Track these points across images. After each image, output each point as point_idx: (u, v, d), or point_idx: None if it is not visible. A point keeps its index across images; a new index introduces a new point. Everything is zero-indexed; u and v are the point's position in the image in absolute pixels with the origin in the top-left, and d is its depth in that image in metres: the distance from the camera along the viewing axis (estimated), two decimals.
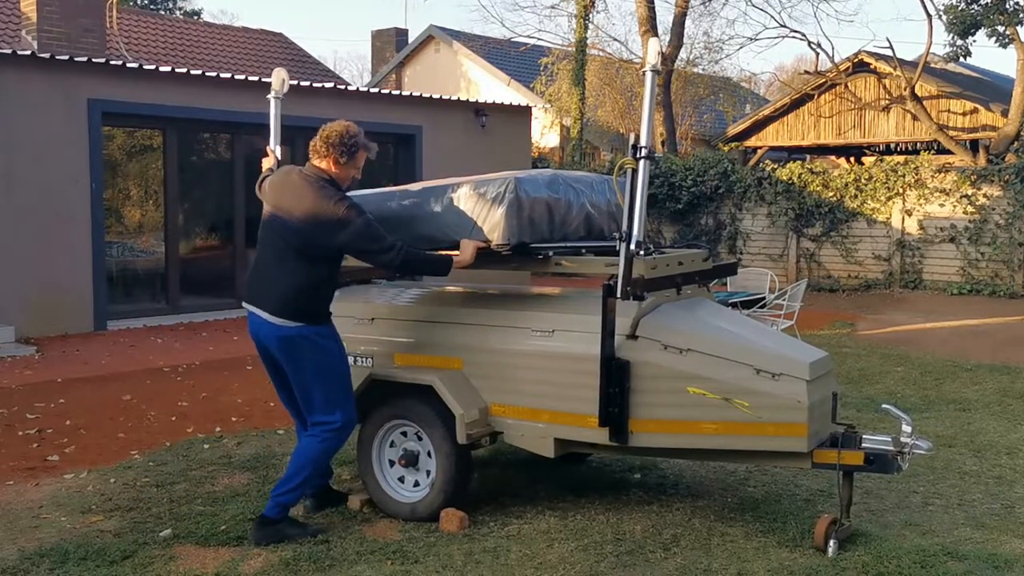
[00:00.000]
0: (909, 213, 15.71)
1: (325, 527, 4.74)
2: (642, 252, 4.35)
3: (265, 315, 4.53)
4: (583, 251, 4.86)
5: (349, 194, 5.26)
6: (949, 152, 18.40)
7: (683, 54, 22.50)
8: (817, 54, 19.90)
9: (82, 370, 9.03)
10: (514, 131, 16.27)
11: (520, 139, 16.48)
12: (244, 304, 4.67)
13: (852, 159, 23.57)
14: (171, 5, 33.32)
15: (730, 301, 9.07)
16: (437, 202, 4.81)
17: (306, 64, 21.65)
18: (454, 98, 15.68)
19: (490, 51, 24.65)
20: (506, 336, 4.73)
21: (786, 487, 5.42)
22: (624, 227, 4.27)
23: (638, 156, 4.25)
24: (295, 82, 13.31)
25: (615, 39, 41.51)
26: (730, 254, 17.28)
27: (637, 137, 4.29)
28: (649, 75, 4.30)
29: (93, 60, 11.36)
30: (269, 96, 5.42)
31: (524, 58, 24.66)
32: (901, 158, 17.12)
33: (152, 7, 31.80)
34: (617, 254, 4.31)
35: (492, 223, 4.60)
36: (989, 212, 15.01)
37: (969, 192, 15.13)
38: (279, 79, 5.43)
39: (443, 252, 4.76)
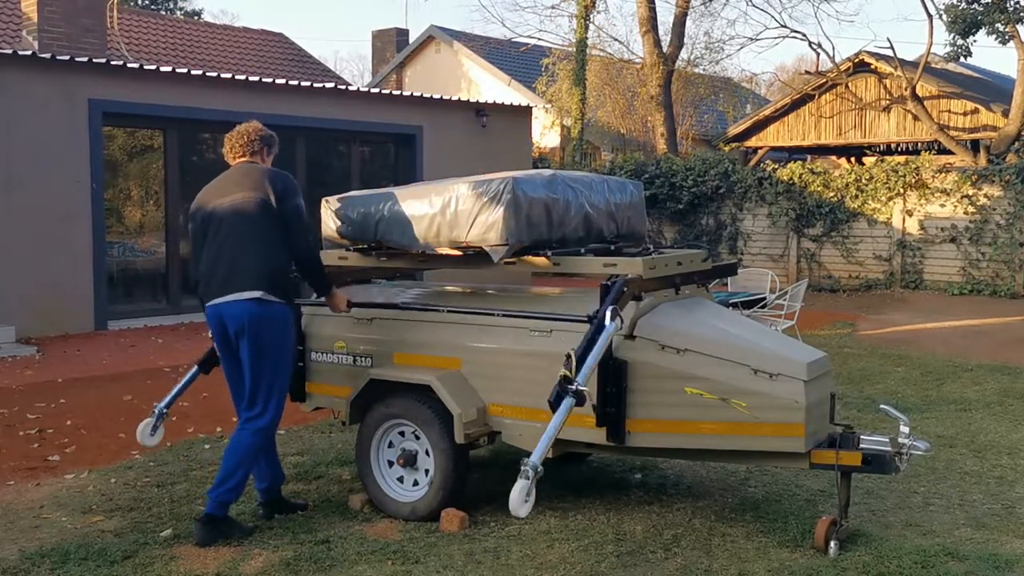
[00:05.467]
0: (910, 213, 15.71)
1: (257, 526, 4.77)
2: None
3: (241, 295, 4.57)
4: (582, 251, 4.87)
5: (350, 193, 5.30)
6: (950, 152, 18.40)
7: (684, 54, 22.50)
8: (818, 54, 19.92)
9: (83, 370, 9.03)
10: (515, 131, 16.27)
11: (521, 139, 16.49)
12: (210, 301, 4.67)
13: (853, 159, 23.56)
14: (171, 5, 33.33)
15: (730, 301, 9.07)
16: (435, 202, 4.81)
17: (307, 64, 21.67)
18: (455, 98, 15.68)
19: (491, 51, 24.66)
20: (504, 336, 4.73)
21: (787, 487, 5.42)
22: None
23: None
24: (296, 82, 13.33)
25: (616, 39, 41.41)
26: (731, 254, 17.29)
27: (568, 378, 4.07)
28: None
29: (94, 60, 11.37)
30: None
31: (525, 58, 24.66)
32: (902, 158, 17.12)
33: (152, 7, 31.82)
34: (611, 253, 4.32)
35: (490, 223, 4.60)
36: (990, 212, 15.00)
37: (970, 192, 15.13)
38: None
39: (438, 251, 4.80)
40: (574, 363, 4.07)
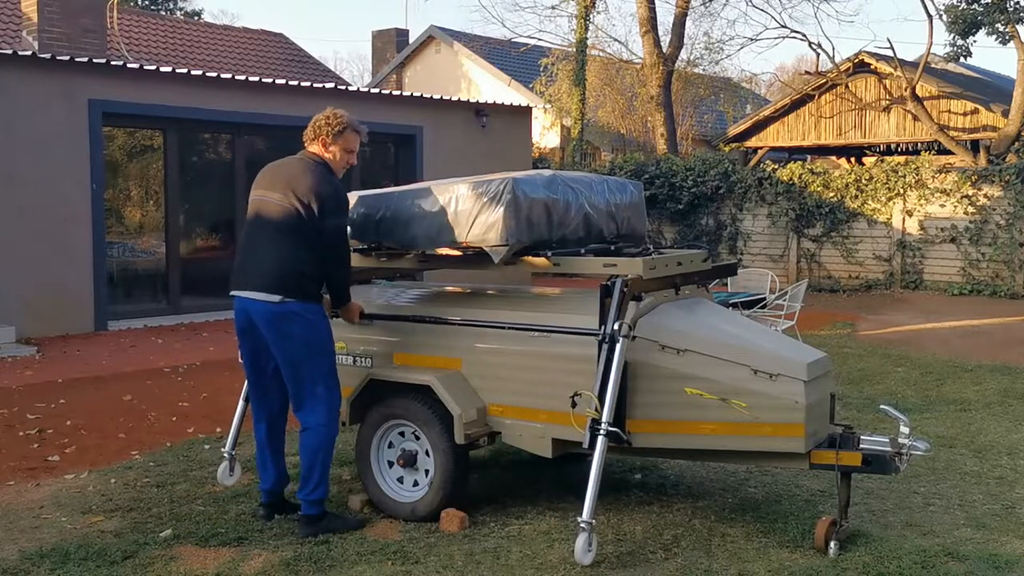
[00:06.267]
0: (910, 213, 15.72)
1: (367, 518, 4.82)
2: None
3: (260, 295, 4.57)
4: (582, 251, 4.87)
5: (352, 193, 5.30)
6: (950, 152, 18.41)
7: (683, 54, 22.51)
8: (818, 54, 19.93)
9: (82, 370, 9.03)
10: (515, 131, 16.27)
11: (520, 139, 16.49)
12: (233, 292, 4.70)
13: (853, 159, 23.58)
14: (171, 5, 33.34)
15: (730, 302, 9.07)
16: (436, 202, 4.81)
17: (307, 64, 21.67)
18: (455, 98, 15.68)
19: (491, 51, 24.66)
20: (505, 337, 4.73)
21: (787, 488, 5.42)
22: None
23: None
24: (295, 82, 13.33)
25: (615, 39, 41.58)
26: (731, 254, 17.29)
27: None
28: None
29: (94, 60, 11.37)
30: None
31: (524, 58, 24.67)
32: (902, 158, 17.14)
33: (152, 7, 31.82)
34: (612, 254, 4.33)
35: (490, 223, 4.60)
36: (990, 212, 15.01)
37: (970, 192, 15.13)
38: None
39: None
40: (596, 402, 4.19)
